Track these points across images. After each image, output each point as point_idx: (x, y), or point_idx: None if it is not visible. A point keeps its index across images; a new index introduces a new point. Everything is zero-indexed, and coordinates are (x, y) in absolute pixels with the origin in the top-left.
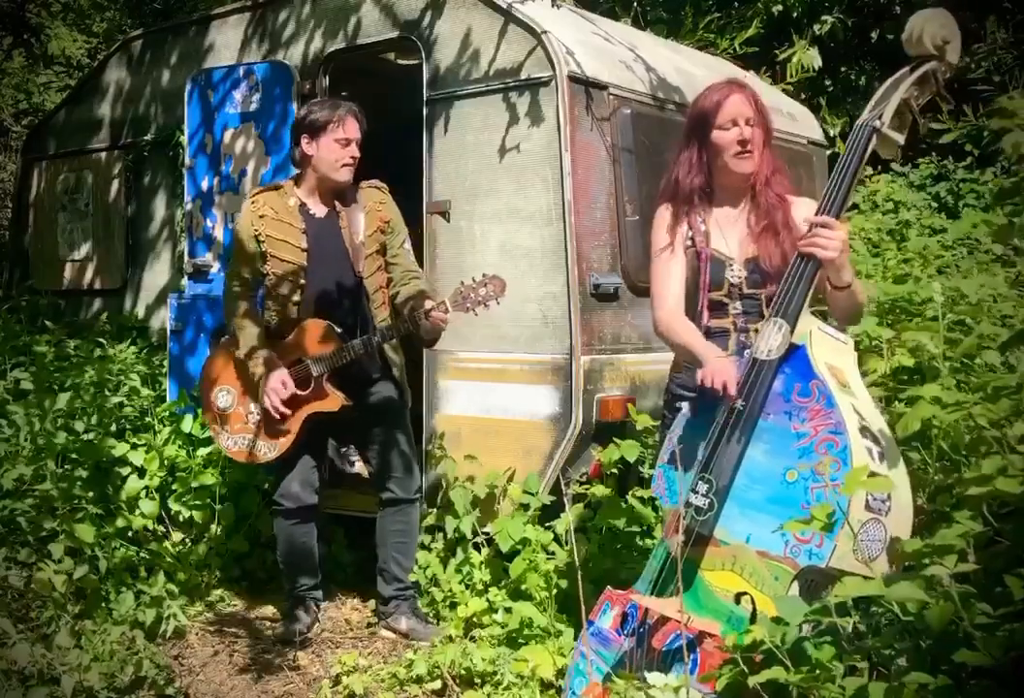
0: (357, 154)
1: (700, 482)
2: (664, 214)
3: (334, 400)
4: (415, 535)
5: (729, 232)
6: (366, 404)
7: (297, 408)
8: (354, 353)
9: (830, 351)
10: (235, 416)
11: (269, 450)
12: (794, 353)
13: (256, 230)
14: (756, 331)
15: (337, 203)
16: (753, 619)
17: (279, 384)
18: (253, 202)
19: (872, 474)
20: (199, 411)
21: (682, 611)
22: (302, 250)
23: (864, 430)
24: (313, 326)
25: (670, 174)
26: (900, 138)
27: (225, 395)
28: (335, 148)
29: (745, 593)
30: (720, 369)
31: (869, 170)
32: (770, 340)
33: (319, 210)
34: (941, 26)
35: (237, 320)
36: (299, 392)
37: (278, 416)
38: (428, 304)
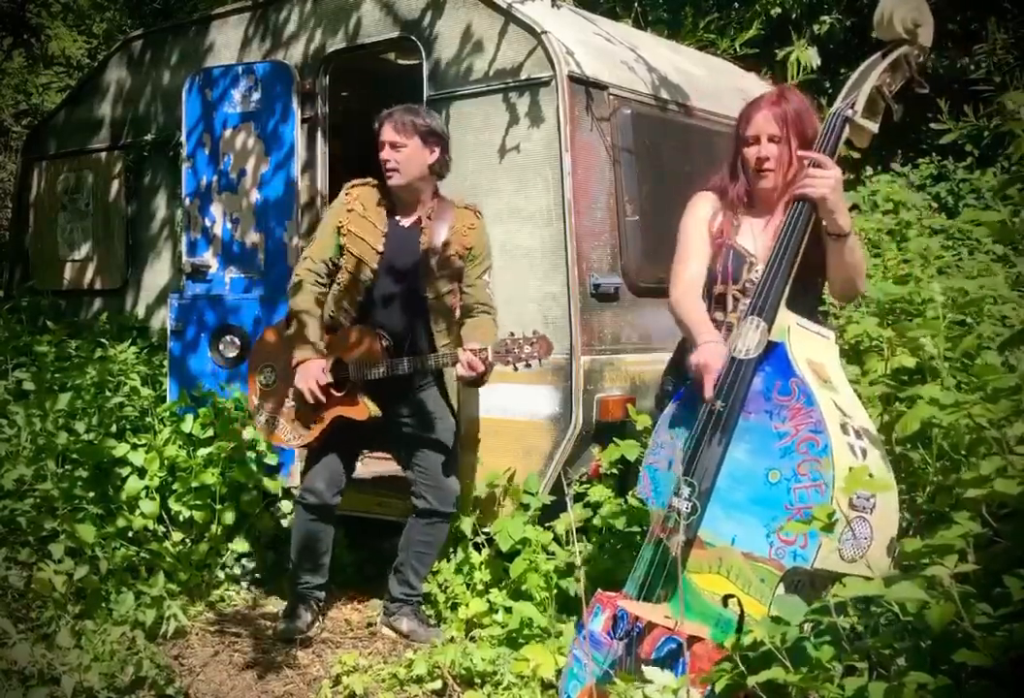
0: (388, 157)
1: (683, 485)
2: (704, 202)
3: (362, 409)
4: (439, 548)
5: (759, 235)
6: (408, 411)
7: (327, 407)
8: (390, 371)
9: (810, 346)
10: (272, 395)
11: (294, 437)
12: (773, 351)
13: (341, 222)
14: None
15: (424, 217)
16: (741, 621)
17: (319, 371)
18: (347, 193)
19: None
20: (200, 411)
21: (670, 617)
22: (377, 252)
23: (846, 426)
24: (364, 332)
25: (722, 171)
26: (874, 126)
27: (269, 373)
28: (380, 154)
29: (732, 595)
30: (708, 362)
31: (869, 170)
32: (748, 339)
33: (406, 219)
34: (911, 9)
35: (299, 305)
36: (333, 392)
37: (312, 400)
38: (472, 346)
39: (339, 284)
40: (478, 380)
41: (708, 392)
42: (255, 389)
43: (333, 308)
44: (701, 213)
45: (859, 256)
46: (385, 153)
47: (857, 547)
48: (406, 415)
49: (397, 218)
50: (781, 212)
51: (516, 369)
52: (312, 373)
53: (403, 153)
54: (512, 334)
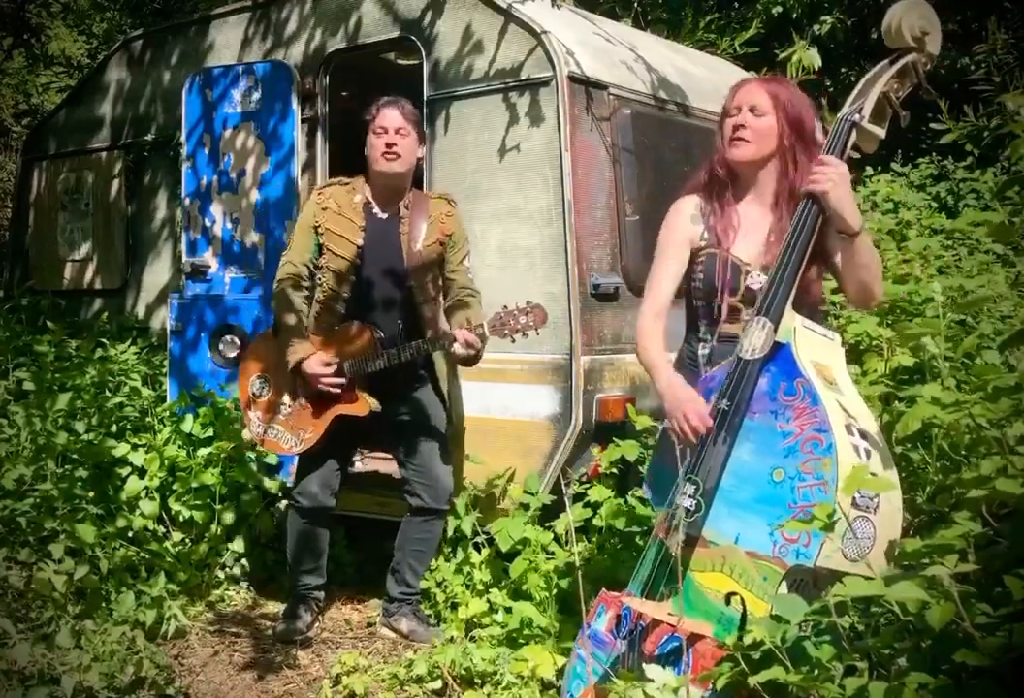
0: (394, 141)
1: (687, 483)
2: (684, 208)
3: (362, 405)
4: (436, 546)
5: (751, 236)
6: (403, 410)
7: (326, 408)
8: (389, 362)
9: (816, 348)
10: (268, 404)
11: (295, 444)
12: (779, 351)
13: (317, 221)
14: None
15: (403, 208)
16: (744, 620)
17: (320, 366)
18: (320, 194)
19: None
20: (200, 411)
21: (672, 614)
22: (357, 247)
23: (850, 427)
24: (355, 328)
25: (703, 167)
26: (881, 132)
27: (261, 382)
28: (374, 139)
29: (735, 594)
30: (691, 412)
31: (869, 170)
32: (754, 339)
33: (383, 211)
34: (920, 17)
35: (283, 310)
36: (331, 391)
37: (337, 390)
38: (467, 325)
39: (323, 283)
40: (474, 358)
41: (692, 437)
42: (250, 401)
43: (320, 308)
44: (681, 221)
45: (872, 257)
46: (390, 137)
47: (859, 547)
48: (401, 414)
49: (375, 211)
50: (771, 212)
51: (513, 341)
52: (318, 365)
53: (407, 140)
54: (505, 307)
